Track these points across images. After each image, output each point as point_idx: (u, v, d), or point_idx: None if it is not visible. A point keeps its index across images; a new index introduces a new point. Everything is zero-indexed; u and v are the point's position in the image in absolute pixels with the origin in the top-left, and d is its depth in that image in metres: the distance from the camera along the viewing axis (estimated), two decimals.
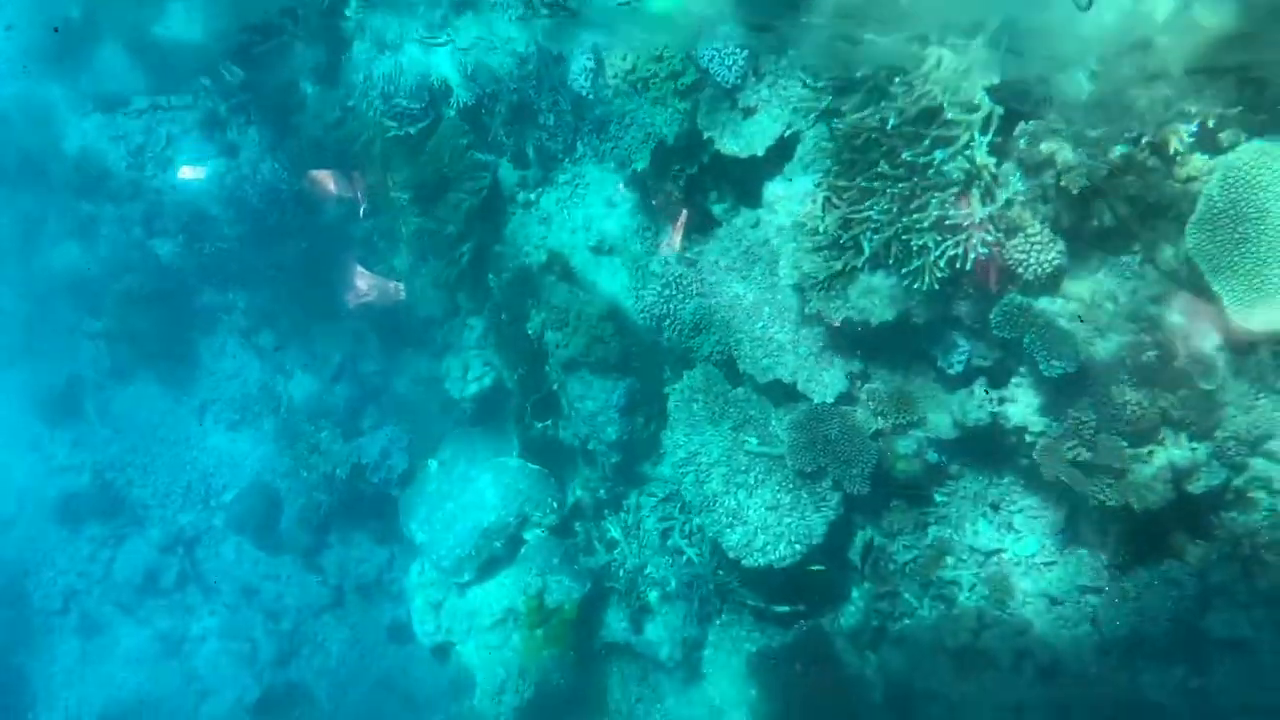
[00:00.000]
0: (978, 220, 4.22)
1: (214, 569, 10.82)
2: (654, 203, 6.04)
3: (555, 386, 6.38)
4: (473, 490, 7.10)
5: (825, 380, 5.10)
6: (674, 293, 5.76)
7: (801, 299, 4.99)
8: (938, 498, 5.27)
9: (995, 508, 5.14)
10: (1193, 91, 4.14)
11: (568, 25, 6.35)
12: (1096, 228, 4.33)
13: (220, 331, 10.55)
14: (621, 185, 6.19)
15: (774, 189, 5.24)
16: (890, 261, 4.53)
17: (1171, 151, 4.14)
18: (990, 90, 4.25)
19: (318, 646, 10.22)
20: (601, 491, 6.55)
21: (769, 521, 5.28)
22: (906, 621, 5.32)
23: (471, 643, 6.68)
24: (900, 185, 4.36)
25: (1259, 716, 4.34)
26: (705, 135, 5.32)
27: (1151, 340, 4.33)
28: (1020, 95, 4.35)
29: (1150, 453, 4.42)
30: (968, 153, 4.19)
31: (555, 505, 6.78)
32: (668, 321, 5.88)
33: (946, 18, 4.41)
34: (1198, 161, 4.14)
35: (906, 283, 4.50)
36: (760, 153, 5.13)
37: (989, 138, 4.22)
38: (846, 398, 5.11)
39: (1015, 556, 5.08)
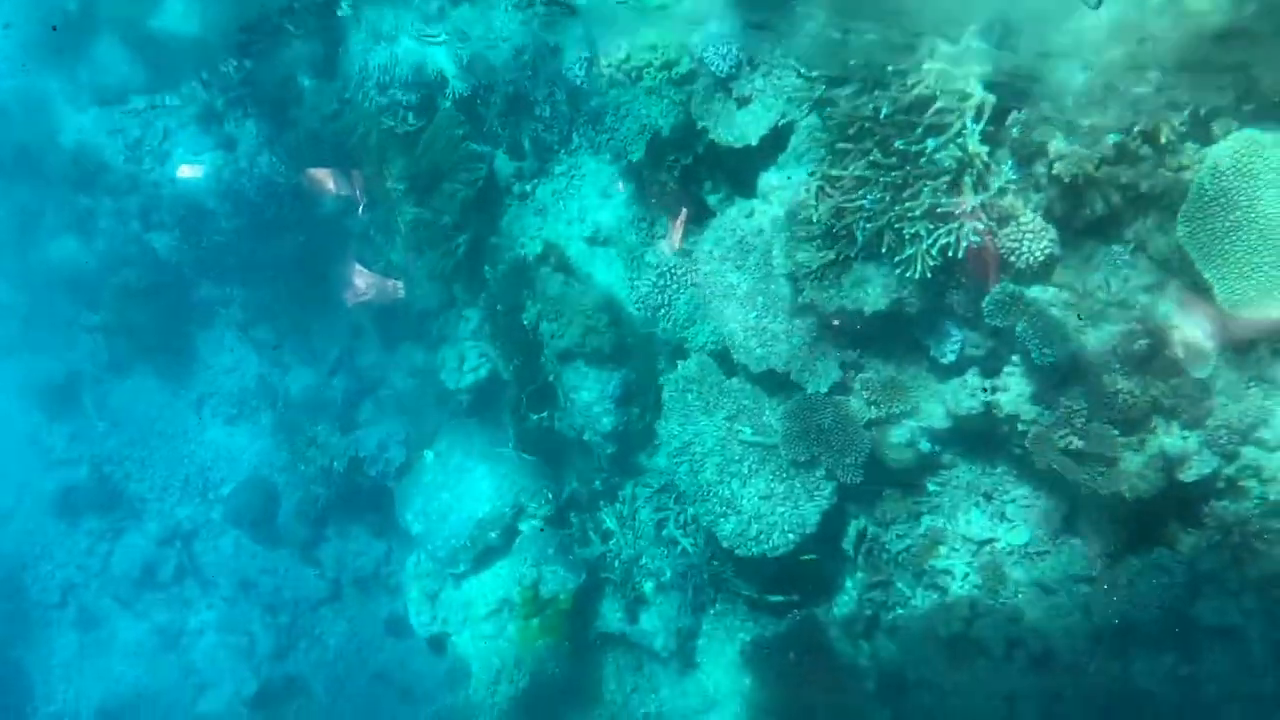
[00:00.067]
0: (969, 208, 4.23)
1: (212, 563, 10.84)
2: (650, 197, 6.06)
3: (551, 378, 6.39)
4: (468, 481, 7.12)
5: (819, 370, 5.11)
6: (668, 283, 5.78)
7: (795, 289, 5.01)
8: (931, 487, 5.29)
9: (988, 497, 5.16)
10: (1184, 81, 4.15)
11: (564, 18, 6.37)
12: (1088, 217, 4.34)
13: (218, 325, 10.56)
14: (617, 176, 6.21)
15: (768, 179, 5.25)
16: (883, 250, 4.55)
17: (1163, 141, 4.15)
18: (983, 79, 4.26)
19: (315, 640, 10.25)
20: (597, 482, 6.57)
21: (763, 511, 5.30)
22: (900, 611, 5.34)
23: (467, 633, 6.70)
24: (893, 174, 4.37)
25: (1248, 704, 4.36)
26: (699, 125, 5.33)
27: (1143, 329, 4.35)
28: (1013, 84, 4.36)
29: (1142, 441, 4.44)
30: (960, 141, 4.20)
31: (550, 496, 6.80)
32: (662, 312, 5.90)
33: (941, 12, 4.43)
34: (1189, 151, 4.15)
35: (899, 272, 4.51)
36: (754, 142, 5.14)
37: (981, 126, 4.24)
38: (840, 387, 5.13)
39: (1008, 546, 5.10)
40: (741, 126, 5.16)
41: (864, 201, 4.53)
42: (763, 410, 5.40)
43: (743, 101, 5.20)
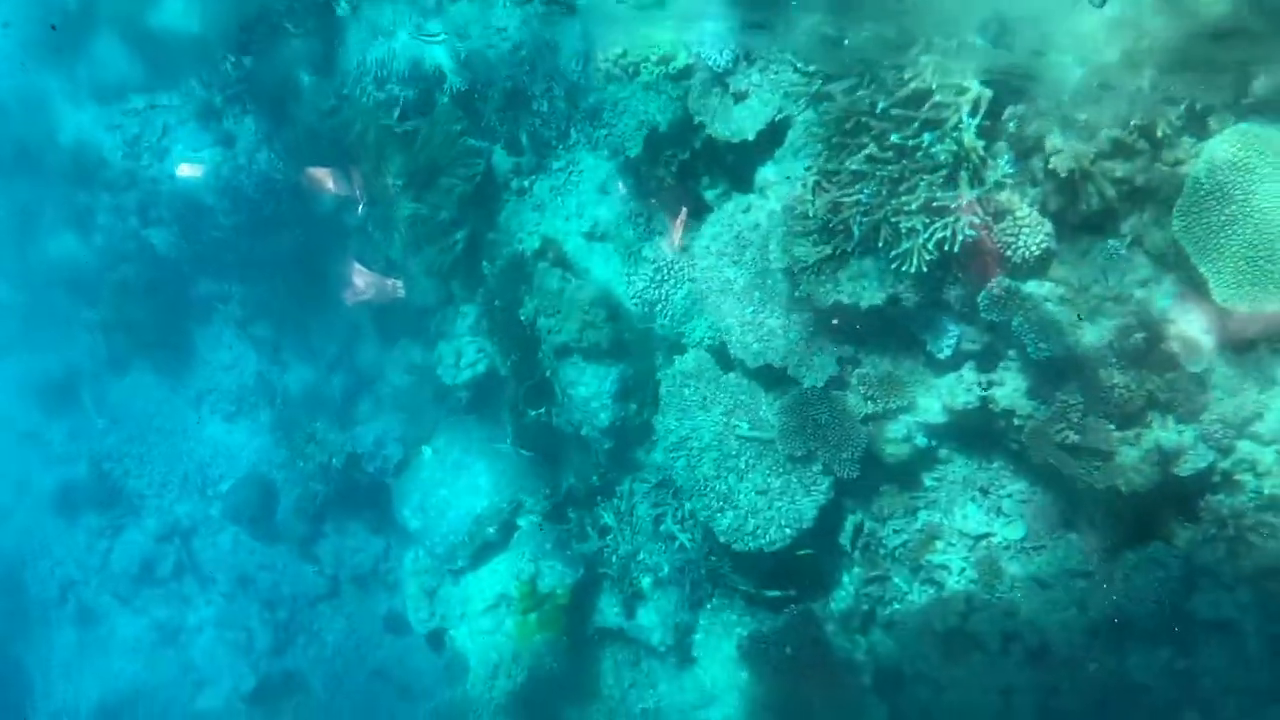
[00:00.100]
0: (965, 203, 4.24)
1: (210, 559, 10.86)
2: (648, 193, 6.06)
3: (548, 373, 6.40)
4: (466, 477, 7.13)
5: (815, 365, 5.12)
6: (666, 278, 5.79)
7: (792, 283, 5.01)
8: (927, 482, 5.29)
9: (984, 492, 5.17)
10: (1181, 76, 4.16)
11: (563, 15, 6.37)
12: (1084, 211, 4.34)
13: (216, 322, 10.57)
14: (615, 172, 6.21)
15: (765, 173, 5.26)
16: (880, 245, 4.55)
17: (1159, 135, 4.16)
18: (979, 74, 4.27)
19: (313, 636, 10.26)
20: (594, 478, 6.57)
21: (759, 506, 5.30)
22: (896, 605, 5.35)
23: (465, 628, 6.71)
24: (889, 168, 4.37)
25: (1243, 697, 4.37)
26: (696, 120, 5.34)
27: (1139, 323, 4.35)
28: (1010, 79, 4.36)
29: (1138, 435, 4.45)
30: (956, 135, 4.21)
31: (548, 492, 6.81)
32: (660, 307, 5.90)
33: (939, 10, 4.43)
34: (1185, 145, 4.16)
35: (895, 266, 4.51)
36: (751, 137, 5.14)
37: (978, 120, 4.24)
38: (836, 382, 5.13)
39: (1004, 540, 5.11)
40: (738, 121, 5.16)
41: (860, 196, 4.53)
42: (760, 405, 5.41)
43: (740, 96, 5.20)
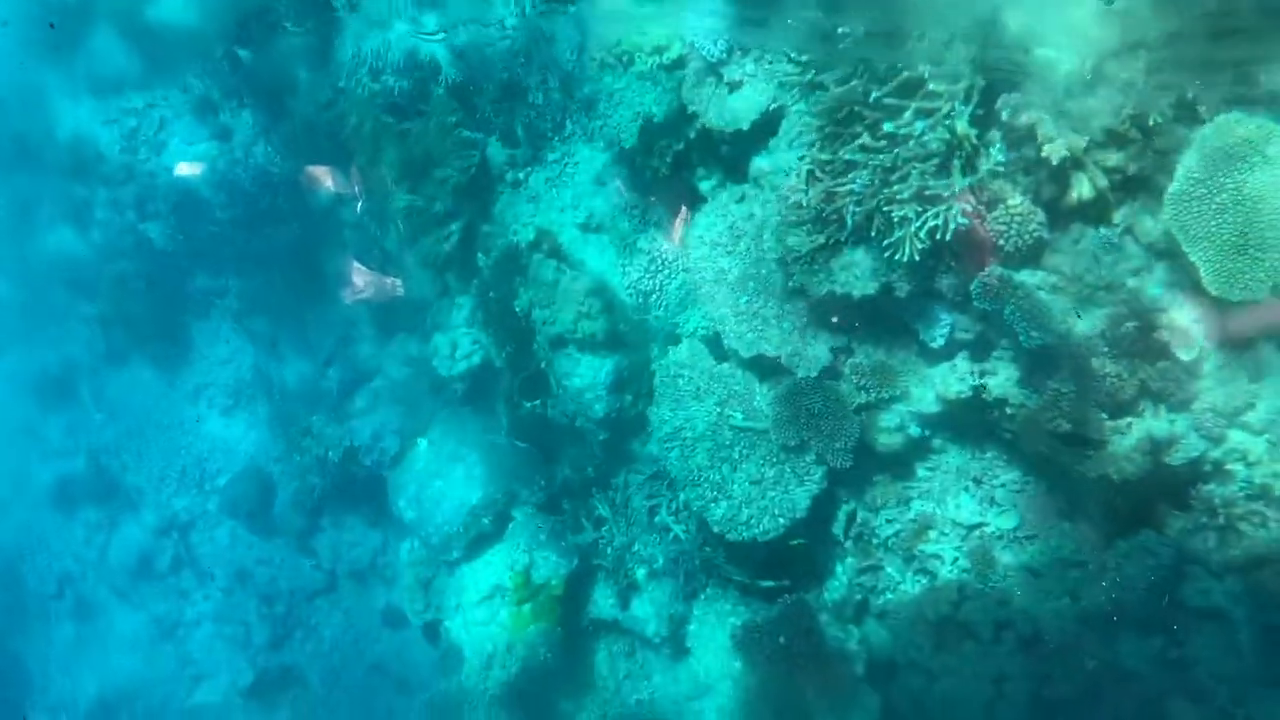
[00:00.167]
0: (957, 191, 4.24)
1: (208, 554, 10.86)
2: (643, 184, 6.07)
3: (543, 364, 6.40)
4: (461, 468, 7.14)
5: (809, 354, 5.12)
6: (660, 269, 5.80)
7: (786, 273, 5.02)
8: (920, 472, 5.30)
9: (978, 481, 5.18)
10: (1173, 65, 4.16)
11: (560, 5, 6.38)
12: (1077, 200, 4.35)
13: (214, 316, 10.58)
14: (610, 163, 6.21)
15: (759, 163, 5.26)
16: (873, 234, 4.56)
17: (1151, 124, 4.17)
18: (973, 62, 4.27)
19: (311, 631, 10.27)
20: (589, 469, 6.58)
21: (753, 495, 5.31)
22: (889, 595, 5.36)
23: (460, 619, 6.72)
24: (882, 156, 4.38)
25: (1234, 685, 4.38)
26: (690, 109, 5.34)
27: (1131, 312, 4.36)
28: (1003, 68, 4.37)
29: (1129, 424, 4.46)
30: (948, 123, 4.21)
31: (543, 483, 6.82)
32: (654, 298, 5.91)
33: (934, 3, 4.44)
34: (1178, 134, 4.16)
35: (888, 255, 4.52)
36: (745, 127, 5.14)
37: (970, 109, 4.25)
38: (830, 372, 5.14)
39: (997, 530, 5.12)
40: (733, 111, 5.16)
41: (853, 185, 4.54)
42: (753, 395, 5.42)
43: (734, 86, 5.20)
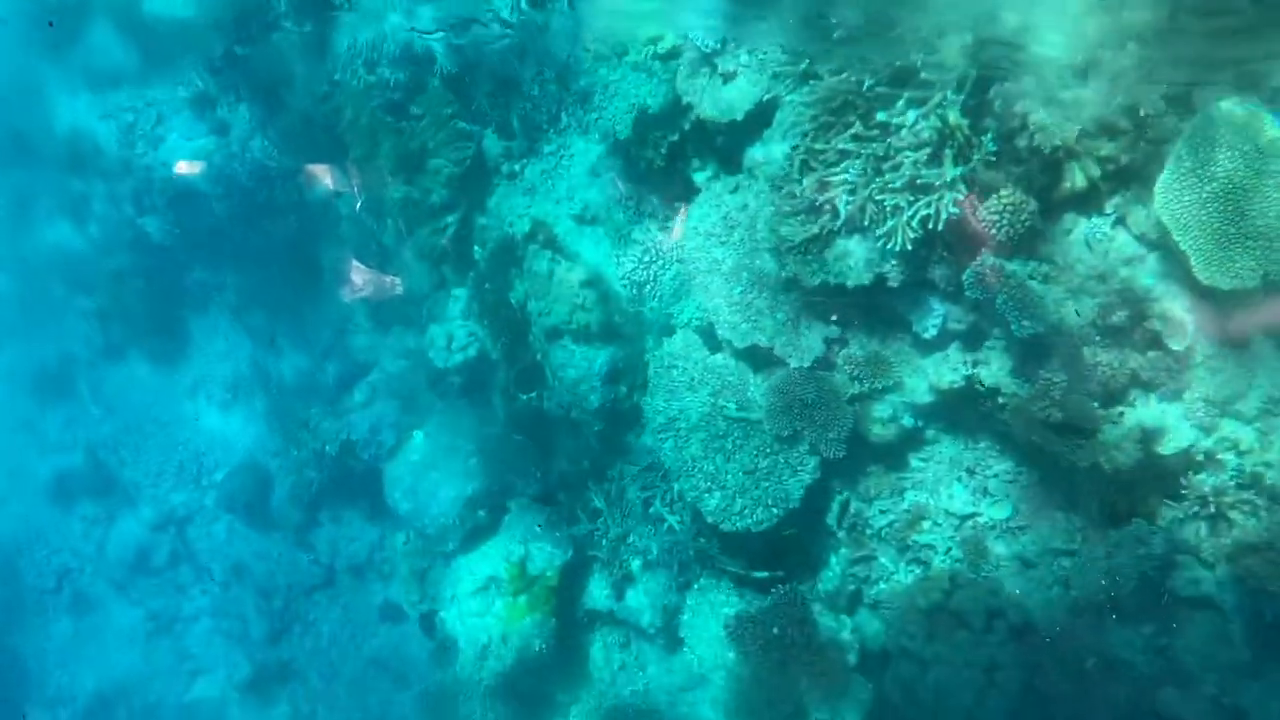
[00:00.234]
0: (949, 180, 4.25)
1: (206, 548, 10.88)
2: (638, 175, 6.07)
3: (539, 356, 6.42)
4: (457, 460, 7.15)
5: (802, 345, 5.13)
6: (654, 259, 5.81)
7: (779, 263, 5.03)
8: (914, 462, 5.32)
9: (971, 472, 5.19)
10: (1165, 55, 4.18)
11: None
12: (1069, 189, 4.36)
13: (211, 310, 10.60)
14: (605, 155, 6.22)
15: (754, 154, 5.27)
16: (865, 224, 4.57)
17: (1143, 114, 4.18)
18: (965, 51, 4.28)
19: (309, 625, 10.28)
20: (585, 461, 6.59)
21: (747, 486, 5.32)
22: (882, 585, 5.37)
23: (455, 610, 6.74)
24: (875, 146, 4.39)
25: (1224, 673, 4.39)
26: (685, 100, 5.35)
27: (1122, 301, 4.37)
28: (996, 57, 4.38)
29: (1121, 414, 4.47)
30: (941, 112, 4.23)
31: (539, 475, 6.83)
32: (649, 288, 5.92)
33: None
34: (1169, 123, 4.17)
35: (881, 244, 4.53)
36: (740, 118, 5.15)
37: (962, 97, 4.26)
38: (823, 362, 5.15)
39: (990, 520, 5.13)
40: (727, 102, 5.17)
41: (847, 175, 4.55)
42: (747, 386, 5.43)
43: (728, 77, 5.21)
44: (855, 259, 4.75)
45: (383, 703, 9.64)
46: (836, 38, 4.54)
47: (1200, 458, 4.40)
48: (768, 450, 5.31)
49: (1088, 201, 4.41)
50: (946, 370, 4.87)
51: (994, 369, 4.75)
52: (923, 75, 4.28)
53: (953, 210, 4.27)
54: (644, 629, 6.31)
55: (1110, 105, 4.20)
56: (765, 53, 5.11)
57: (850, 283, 4.76)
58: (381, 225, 7.94)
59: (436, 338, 7.08)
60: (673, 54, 5.52)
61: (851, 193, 4.53)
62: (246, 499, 10.25)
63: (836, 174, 4.59)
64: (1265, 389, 4.26)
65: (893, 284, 4.73)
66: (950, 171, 4.26)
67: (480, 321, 6.86)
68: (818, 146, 4.65)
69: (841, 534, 5.48)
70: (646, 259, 5.84)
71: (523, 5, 6.28)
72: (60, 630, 11.68)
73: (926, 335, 4.88)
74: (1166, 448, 4.41)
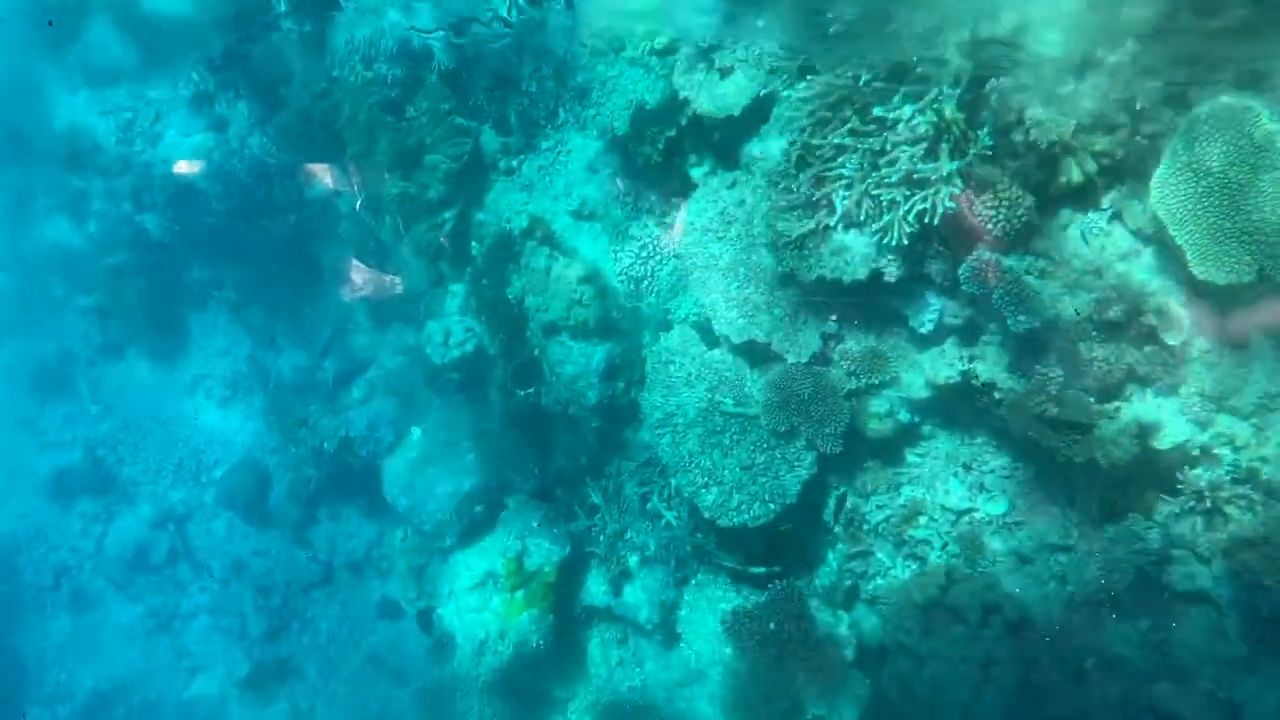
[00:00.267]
0: (945, 174, 4.26)
1: (204, 545, 10.88)
2: (635, 171, 6.07)
3: (536, 352, 6.42)
4: (455, 456, 7.16)
5: (799, 340, 5.14)
6: (651, 255, 5.81)
7: (776, 259, 5.03)
8: (910, 457, 5.32)
9: (967, 467, 5.19)
10: (1160, 49, 4.18)
11: None
12: (1065, 184, 4.37)
13: (210, 307, 10.60)
14: (603, 150, 6.22)
15: (750, 149, 5.27)
16: (862, 218, 4.58)
17: (1139, 109, 4.18)
18: (961, 46, 4.28)
19: (307, 622, 10.29)
20: (582, 457, 6.59)
21: (744, 481, 5.32)
22: (879, 580, 5.38)
23: (452, 606, 6.74)
24: (871, 140, 4.39)
25: (1220, 668, 4.40)
26: (682, 95, 5.35)
27: (1119, 296, 4.38)
28: (992, 52, 4.38)
29: (1117, 409, 4.47)
30: (937, 106, 4.23)
31: (536, 471, 6.83)
32: (646, 284, 5.92)
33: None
34: (1165, 117, 4.18)
35: (878, 239, 4.54)
36: (737, 113, 5.15)
37: (959, 92, 4.26)
38: (820, 358, 5.15)
39: (986, 515, 5.13)
40: (724, 97, 5.17)
41: (843, 169, 4.56)
42: (744, 381, 5.43)
43: (725, 72, 5.21)
44: (852, 254, 4.76)
45: (381, 699, 9.64)
46: (833, 33, 4.54)
47: (1196, 453, 4.40)
48: (765, 446, 5.32)
49: (1084, 196, 4.41)
50: (943, 365, 4.87)
51: (990, 364, 4.76)
52: (919, 71, 4.28)
53: (949, 205, 4.28)
54: (641, 625, 6.31)
55: (1107, 101, 4.20)
56: (762, 48, 5.11)
57: (847, 278, 4.76)
58: (380, 222, 7.95)
59: (434, 334, 7.08)
60: (670, 49, 5.52)
61: (848, 188, 4.53)
62: (245, 496, 10.26)
63: (833, 169, 4.60)
64: (1261, 384, 4.26)
65: (889, 279, 4.74)
66: (946, 166, 4.26)
67: (478, 317, 6.86)
68: (814, 142, 4.66)
69: (838, 529, 5.49)
70: (644, 255, 5.85)
71: (520, 2, 6.28)
72: (59, 627, 11.68)
73: (923, 330, 4.88)
74: (1162, 443, 4.42)
